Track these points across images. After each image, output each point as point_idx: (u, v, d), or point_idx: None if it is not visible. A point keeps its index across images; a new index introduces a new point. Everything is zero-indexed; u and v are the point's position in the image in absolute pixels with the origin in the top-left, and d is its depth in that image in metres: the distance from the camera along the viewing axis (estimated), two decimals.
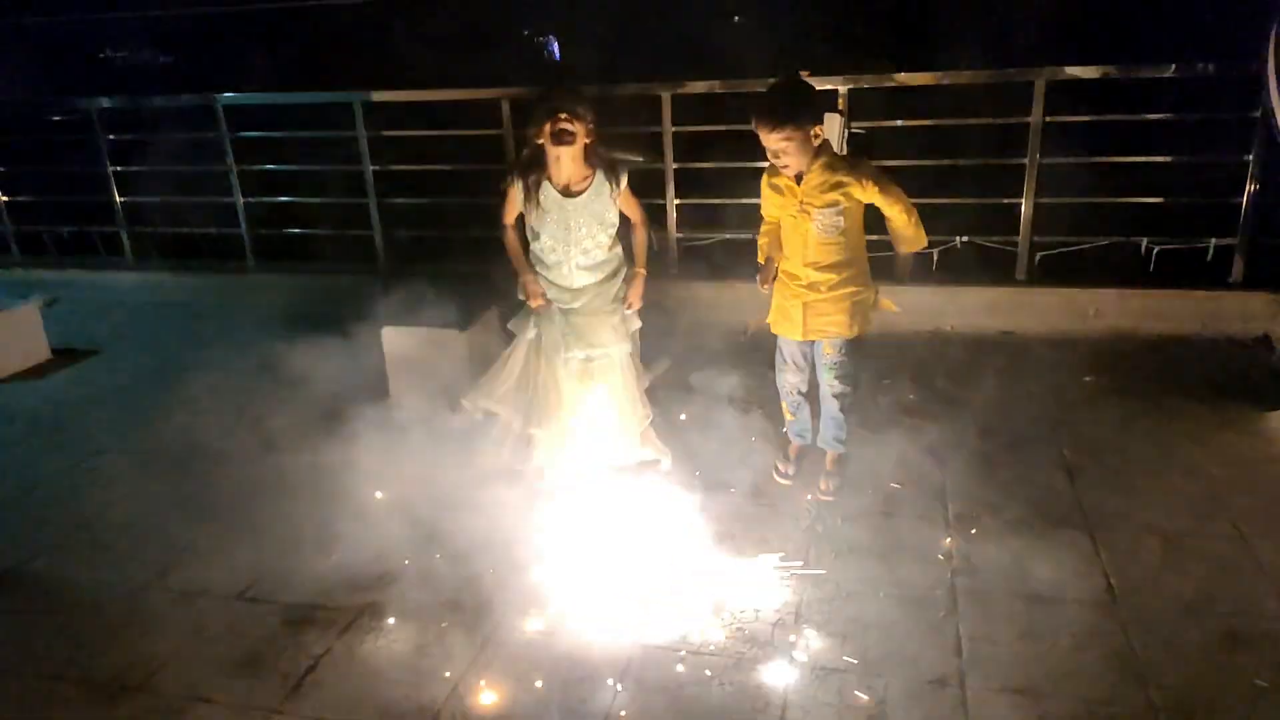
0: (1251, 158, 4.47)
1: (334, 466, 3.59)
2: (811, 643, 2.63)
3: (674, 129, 5.06)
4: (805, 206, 2.97)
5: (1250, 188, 4.55)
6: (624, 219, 3.35)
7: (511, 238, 3.36)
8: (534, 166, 3.20)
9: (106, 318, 5.82)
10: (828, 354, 3.14)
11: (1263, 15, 3.65)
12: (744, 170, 5.17)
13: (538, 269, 3.34)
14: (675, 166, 5.09)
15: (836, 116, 4.81)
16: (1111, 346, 4.56)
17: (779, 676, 2.51)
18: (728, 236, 5.30)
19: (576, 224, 3.20)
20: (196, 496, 3.63)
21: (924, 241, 3.09)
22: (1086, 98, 4.90)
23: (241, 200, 5.90)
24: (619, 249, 3.34)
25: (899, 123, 4.92)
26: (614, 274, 3.33)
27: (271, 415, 4.17)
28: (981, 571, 2.88)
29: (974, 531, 3.07)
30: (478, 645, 2.70)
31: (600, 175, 3.21)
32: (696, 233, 5.32)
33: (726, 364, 4.22)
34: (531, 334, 3.37)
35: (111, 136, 6.05)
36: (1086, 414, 3.87)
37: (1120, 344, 4.57)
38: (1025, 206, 4.84)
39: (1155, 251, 4.82)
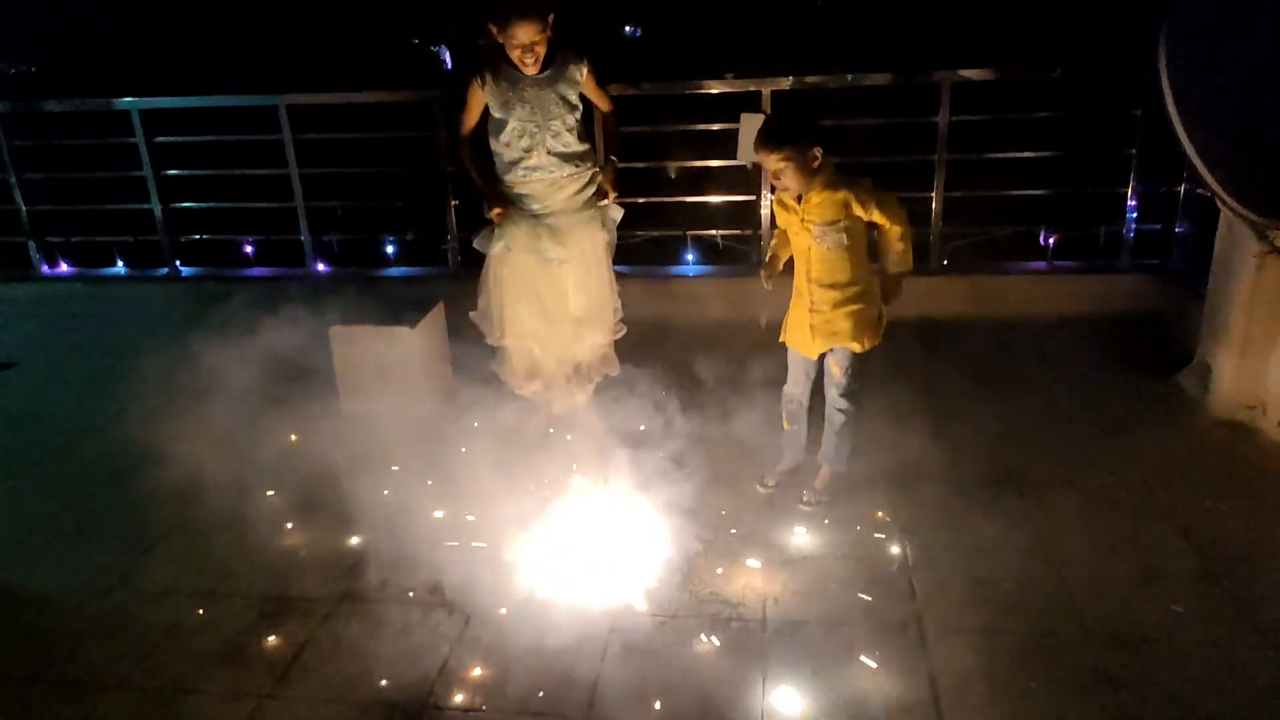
0: (1134, 151, 4.91)
1: (285, 463, 3.59)
2: (780, 600, 2.82)
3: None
4: (806, 223, 3.05)
5: (1134, 179, 4.99)
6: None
7: (469, 150, 3.36)
8: (497, 60, 3.20)
9: (18, 330, 5.60)
10: (834, 371, 3.18)
11: (1145, 16, 3.99)
12: (674, 170, 5.40)
13: (505, 176, 3.31)
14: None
15: (760, 117, 5.04)
16: (1019, 327, 4.90)
17: (754, 632, 2.69)
18: (655, 234, 5.48)
19: (542, 103, 3.20)
20: (145, 501, 3.58)
21: (909, 265, 3.10)
22: (986, 98, 5.27)
23: (159, 207, 5.76)
24: (589, 149, 3.35)
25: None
26: (588, 182, 3.34)
27: (210, 419, 4.12)
28: (926, 529, 3.12)
29: (915, 494, 3.31)
30: (462, 622, 2.78)
31: (561, 56, 3.23)
32: (633, 230, 5.47)
33: (669, 355, 4.39)
34: (497, 248, 3.35)
35: (17, 142, 5.82)
36: (1004, 388, 4.18)
37: (1026, 324, 4.92)
38: (935, 200, 5.16)
39: (1052, 239, 5.23)
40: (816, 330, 3.15)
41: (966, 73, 5.02)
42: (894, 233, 3.03)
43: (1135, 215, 5.03)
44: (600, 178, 3.45)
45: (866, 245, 3.11)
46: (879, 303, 3.18)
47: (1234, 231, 3.72)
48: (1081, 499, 3.26)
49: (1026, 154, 5.15)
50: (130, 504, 3.56)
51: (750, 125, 5.06)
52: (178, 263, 5.91)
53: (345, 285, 5.55)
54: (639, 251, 5.55)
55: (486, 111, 3.37)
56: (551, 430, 3.78)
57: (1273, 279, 3.60)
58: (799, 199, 3.03)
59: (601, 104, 3.42)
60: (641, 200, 5.42)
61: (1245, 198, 3.28)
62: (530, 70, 3.16)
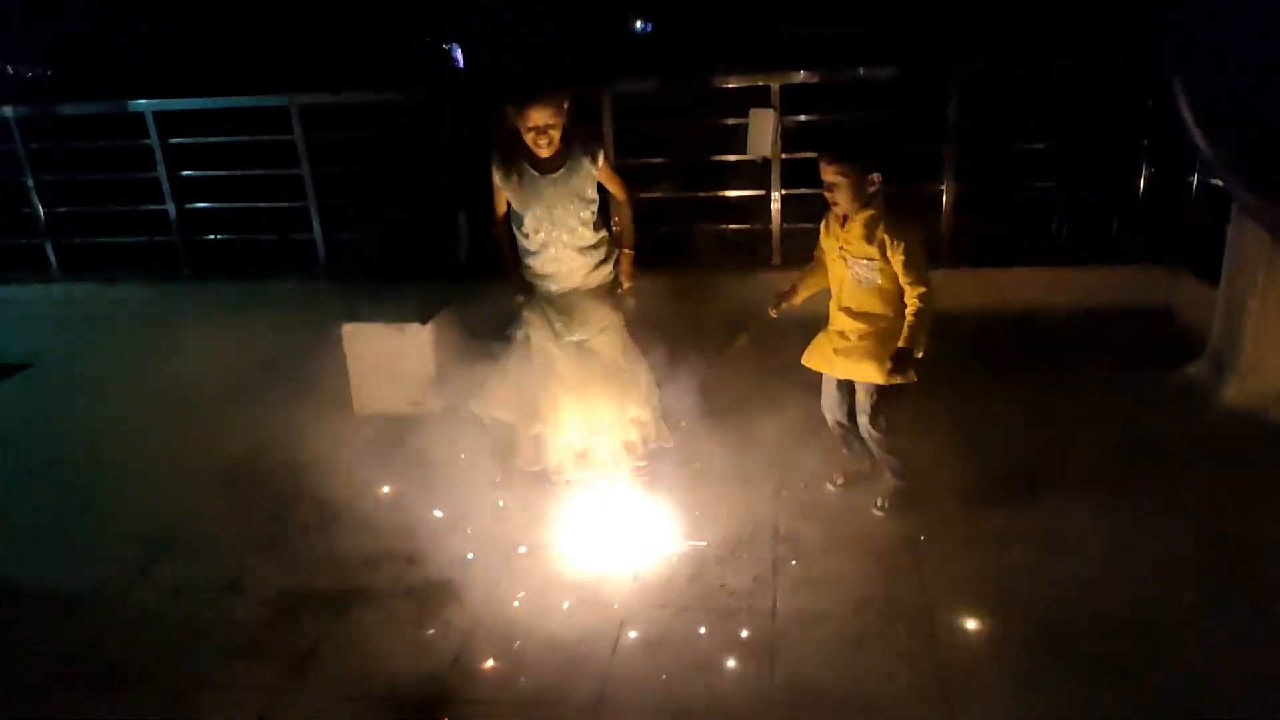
0: (1146, 142, 4.88)
1: (300, 464, 3.61)
2: (791, 592, 2.83)
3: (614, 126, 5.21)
4: (844, 251, 3.00)
5: (1145, 170, 4.96)
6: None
7: (503, 233, 3.36)
8: (513, 150, 3.19)
9: (35, 331, 5.66)
10: (860, 399, 3.11)
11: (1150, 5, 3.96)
12: (680, 165, 5.40)
13: (525, 260, 3.33)
14: (617, 162, 5.23)
15: (769, 112, 5.05)
16: (1031, 319, 4.88)
17: (764, 623, 2.70)
18: (665, 229, 5.50)
19: (557, 201, 3.20)
20: (163, 500, 3.61)
21: (914, 345, 2.88)
22: (996, 90, 5.25)
23: (174, 208, 5.81)
24: (605, 235, 3.35)
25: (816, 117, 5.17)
26: (604, 260, 3.33)
27: (225, 418, 4.17)
28: (937, 521, 3.12)
29: (926, 485, 3.29)
30: (473, 617, 2.81)
31: (576, 151, 3.21)
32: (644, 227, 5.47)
33: (679, 350, 4.38)
34: (521, 333, 3.37)
35: (34, 145, 5.89)
36: (1017, 379, 4.16)
37: (1038, 316, 4.89)
38: (946, 193, 5.15)
39: (1064, 231, 5.22)
40: (840, 354, 3.06)
41: (975, 66, 5.00)
42: (908, 298, 2.89)
43: (1147, 206, 5.01)
44: (618, 262, 3.40)
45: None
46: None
47: (1247, 221, 3.70)
48: (1093, 489, 3.25)
49: (1037, 145, 5.14)
50: (147, 502, 3.59)
51: (760, 120, 5.07)
52: (191, 264, 5.96)
53: (357, 285, 5.59)
54: (649, 248, 5.56)
55: None
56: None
57: None
58: (844, 223, 2.96)
59: (618, 193, 3.38)
60: (654, 195, 5.45)
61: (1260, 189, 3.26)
62: (544, 153, 3.13)
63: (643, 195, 5.36)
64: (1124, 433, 3.63)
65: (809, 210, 3.23)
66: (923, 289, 2.88)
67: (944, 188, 5.11)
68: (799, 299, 3.19)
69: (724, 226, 5.50)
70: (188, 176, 5.82)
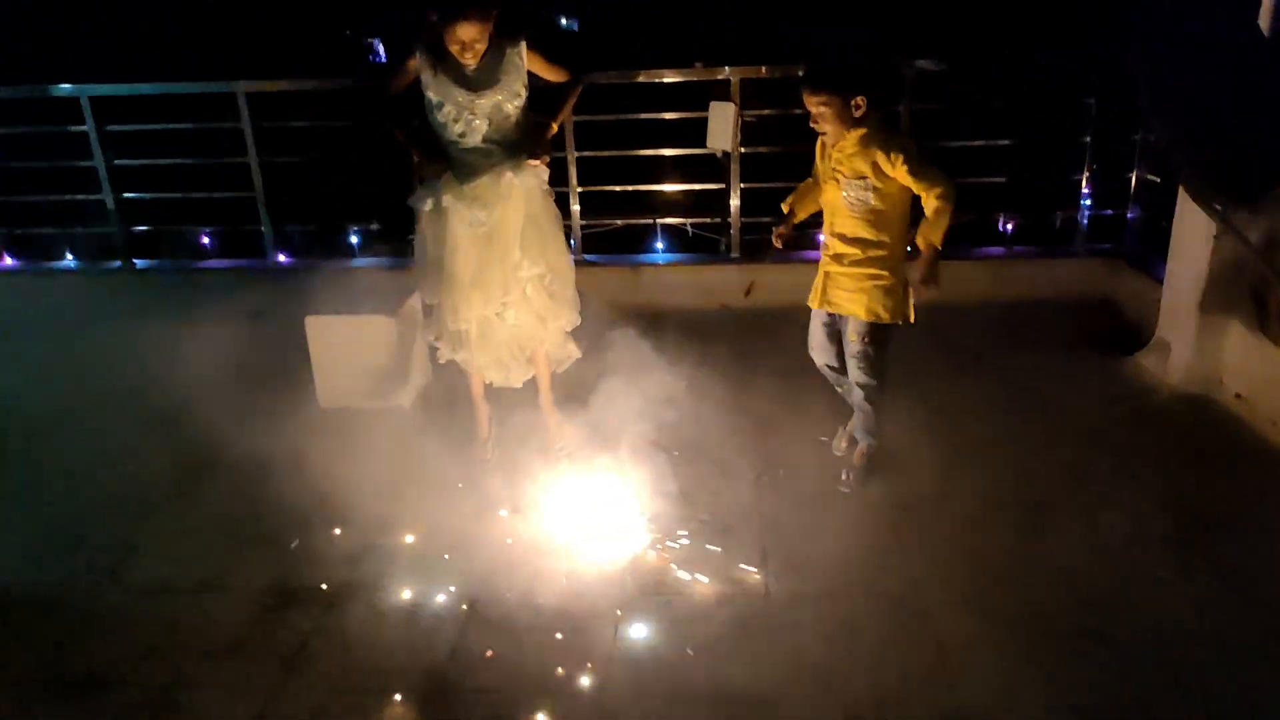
0: (1089, 139, 5.09)
1: (267, 460, 3.50)
2: (782, 576, 2.88)
3: (575, 119, 5.18)
4: (835, 173, 2.99)
5: (1088, 166, 5.17)
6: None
7: (394, 110, 3.28)
8: (440, 47, 3.12)
9: None
10: (851, 340, 3.09)
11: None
12: (644, 159, 5.40)
13: (446, 148, 3.24)
14: (577, 155, 5.22)
15: (729, 105, 5.09)
16: (978, 311, 5.00)
17: (758, 606, 2.75)
18: (622, 222, 5.50)
19: (480, 90, 3.14)
20: (124, 497, 3.49)
21: (934, 239, 2.88)
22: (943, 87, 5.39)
23: (111, 197, 5.57)
24: (530, 129, 3.27)
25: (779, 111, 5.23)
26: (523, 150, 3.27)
27: (185, 414, 4.01)
28: (921, 505, 3.21)
29: (902, 475, 3.38)
30: (468, 607, 2.78)
31: (501, 45, 3.14)
32: (600, 219, 5.47)
33: (644, 341, 4.40)
34: (428, 206, 3.28)
35: None
36: (972, 370, 4.30)
37: (985, 309, 5.01)
38: None
39: (1009, 225, 5.39)
40: (829, 282, 3.06)
41: (922, 64, 5.13)
42: (927, 201, 2.87)
43: (1089, 201, 5.22)
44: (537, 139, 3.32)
45: (904, 215, 2.98)
46: (903, 276, 3.04)
47: (1191, 216, 3.89)
48: (1063, 473, 3.38)
49: (982, 142, 5.29)
50: (110, 499, 3.46)
51: (719, 113, 5.10)
52: (132, 253, 5.73)
53: (309, 277, 5.44)
54: (609, 240, 5.57)
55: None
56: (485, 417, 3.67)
57: (1227, 260, 3.78)
58: (836, 144, 2.96)
59: (556, 77, 3.33)
60: (618, 189, 5.44)
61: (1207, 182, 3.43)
62: (470, 63, 3.10)
63: (598, 188, 5.40)
64: (1082, 418, 3.79)
65: (768, 205, 3.26)
66: (940, 187, 2.85)
67: None
68: (799, 219, 3.18)
69: (682, 220, 5.52)
70: (126, 165, 5.58)
